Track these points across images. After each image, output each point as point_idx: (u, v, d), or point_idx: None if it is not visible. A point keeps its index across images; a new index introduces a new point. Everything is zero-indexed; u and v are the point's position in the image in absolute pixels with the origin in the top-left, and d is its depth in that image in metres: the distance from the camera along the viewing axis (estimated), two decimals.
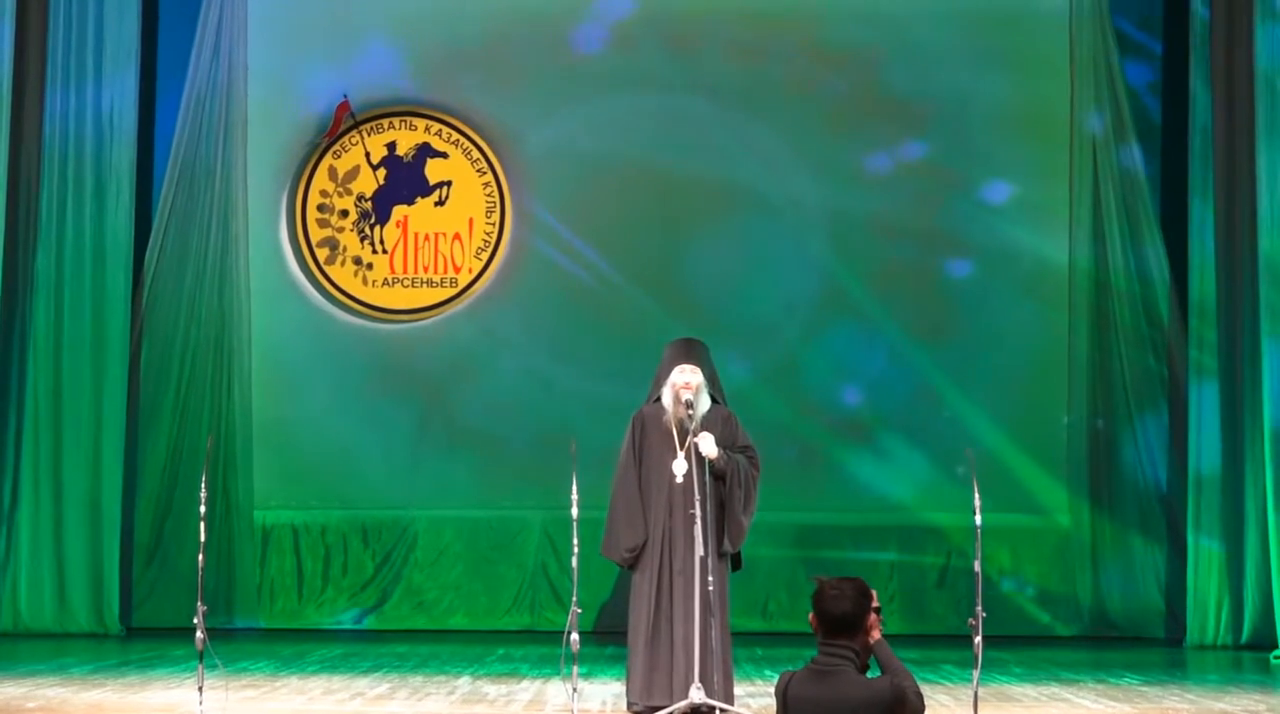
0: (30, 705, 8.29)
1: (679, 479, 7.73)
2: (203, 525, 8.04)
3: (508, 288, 13.45)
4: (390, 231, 13.49)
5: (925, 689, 9.39)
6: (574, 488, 7.64)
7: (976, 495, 7.33)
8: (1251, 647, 11.94)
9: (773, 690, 9.14)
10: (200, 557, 7.90)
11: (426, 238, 13.50)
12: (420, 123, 13.55)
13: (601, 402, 12.48)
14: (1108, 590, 13.02)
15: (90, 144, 12.55)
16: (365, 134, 13.51)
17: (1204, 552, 12.31)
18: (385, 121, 13.55)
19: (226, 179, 13.23)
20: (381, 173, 13.54)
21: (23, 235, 12.45)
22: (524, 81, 13.47)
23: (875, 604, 4.69)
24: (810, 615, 4.81)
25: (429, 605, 13.20)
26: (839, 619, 4.53)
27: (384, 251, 13.48)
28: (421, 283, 13.46)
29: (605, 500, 8.02)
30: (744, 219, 13.40)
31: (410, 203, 13.52)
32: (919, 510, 13.18)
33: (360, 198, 13.51)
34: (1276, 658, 11.21)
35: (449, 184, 13.52)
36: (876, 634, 4.67)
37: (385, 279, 13.47)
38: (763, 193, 13.39)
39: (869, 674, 4.77)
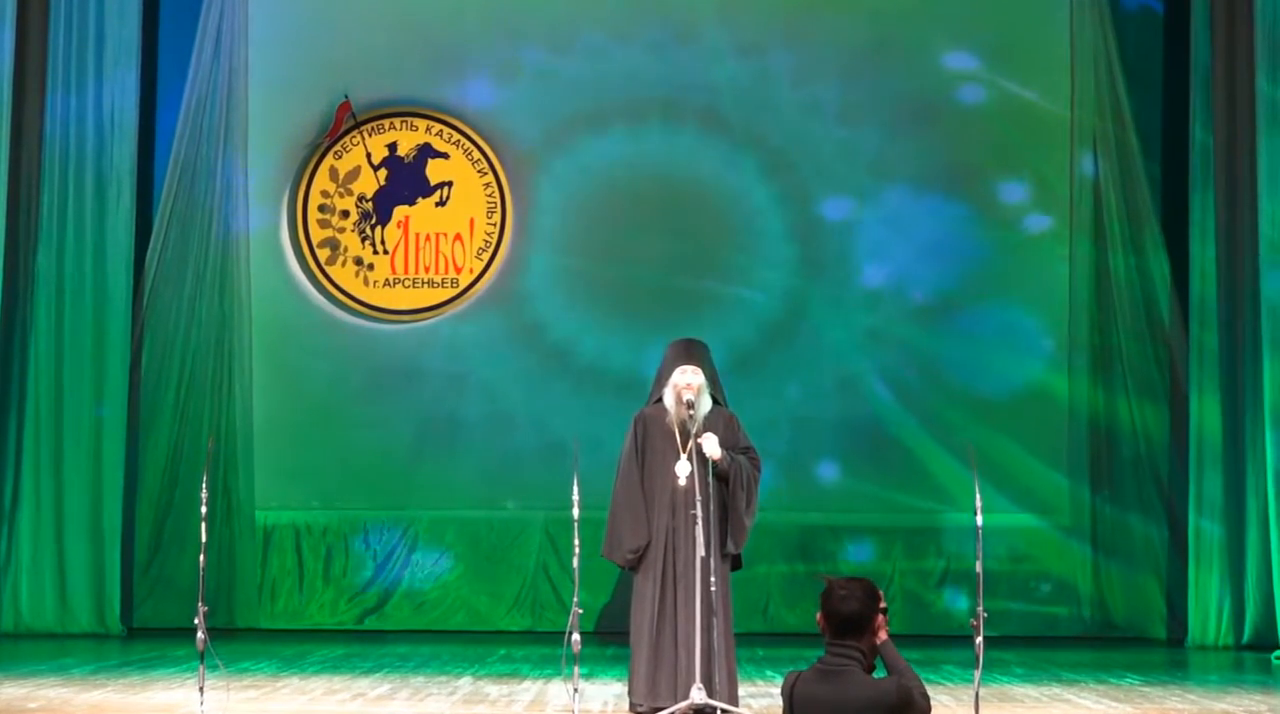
0: (31, 706, 8.29)
1: (682, 481, 7.72)
2: (204, 526, 8.04)
3: (509, 288, 13.44)
4: (391, 232, 13.49)
5: (927, 689, 9.39)
6: (575, 488, 7.63)
7: (978, 495, 7.33)
8: (1253, 647, 11.94)
9: (774, 691, 9.14)
10: (201, 557, 7.89)
11: (427, 238, 13.50)
12: (421, 123, 13.54)
13: (603, 402, 12.48)
14: (1109, 590, 13.02)
15: (91, 144, 12.55)
16: (366, 134, 13.51)
17: (1205, 552, 12.31)
18: (386, 122, 13.55)
19: (227, 179, 13.23)
20: (382, 173, 13.54)
21: (23, 236, 12.45)
22: (526, 82, 13.47)
23: (882, 605, 4.68)
24: (818, 615, 4.80)
25: (430, 606, 13.20)
26: (847, 619, 4.53)
27: (385, 252, 13.48)
28: (422, 283, 13.46)
29: (606, 501, 8.00)
30: (746, 220, 13.40)
31: (411, 203, 13.52)
32: (920, 510, 13.18)
33: (361, 198, 13.51)
34: (1278, 658, 11.20)
35: (450, 184, 13.51)
36: (883, 635, 4.67)
37: (386, 279, 13.47)
38: (766, 196, 13.39)
39: (875, 675, 4.76)
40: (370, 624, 13.14)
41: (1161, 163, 13.32)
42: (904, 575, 13.13)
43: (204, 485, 8.22)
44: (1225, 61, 12.35)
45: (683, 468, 7.73)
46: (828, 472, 13.25)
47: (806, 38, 13.41)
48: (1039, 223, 13.39)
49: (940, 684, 9.60)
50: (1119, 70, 13.14)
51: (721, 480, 7.76)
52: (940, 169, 13.41)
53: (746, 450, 7.91)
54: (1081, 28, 13.25)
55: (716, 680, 7.54)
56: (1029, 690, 9.39)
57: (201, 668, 7.57)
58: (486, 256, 13.47)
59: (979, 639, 7.05)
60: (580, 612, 7.51)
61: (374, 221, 13.49)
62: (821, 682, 4.49)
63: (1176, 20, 13.08)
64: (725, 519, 7.79)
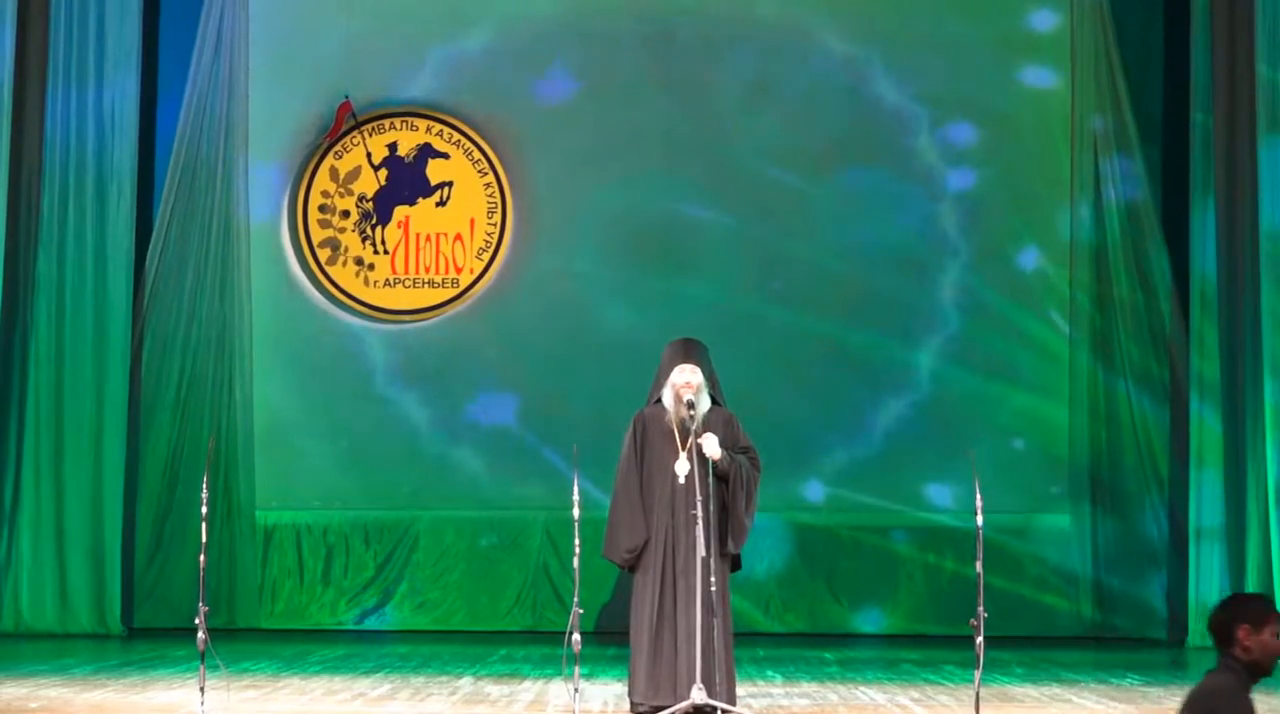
0: (32, 706, 8.29)
1: (681, 479, 7.73)
2: (204, 526, 8.04)
3: (509, 288, 13.44)
4: (391, 232, 13.49)
5: (927, 690, 9.41)
6: (575, 488, 7.64)
7: (978, 496, 7.33)
8: None
9: (774, 691, 9.16)
10: (202, 557, 7.90)
11: (428, 238, 13.50)
12: (421, 123, 13.55)
13: (602, 402, 12.48)
14: (1109, 591, 13.02)
15: (92, 145, 12.56)
16: (367, 134, 13.52)
17: (1205, 552, 12.31)
18: (387, 122, 13.55)
19: (228, 179, 13.23)
20: (383, 173, 13.54)
21: (24, 236, 12.46)
22: (526, 82, 13.47)
23: (1254, 619, 4.66)
24: None
25: (431, 606, 13.21)
26: (1209, 627, 4.69)
27: (385, 252, 13.48)
28: (423, 283, 13.46)
29: (607, 501, 8.01)
30: (745, 219, 13.40)
31: (411, 203, 13.52)
32: (920, 511, 13.18)
33: (362, 198, 13.51)
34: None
35: (450, 184, 13.52)
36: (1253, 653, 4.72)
37: (386, 279, 13.47)
38: (765, 193, 13.39)
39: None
40: (370, 624, 13.15)
41: (1163, 161, 13.31)
42: (905, 575, 13.13)
43: (204, 485, 8.22)
44: (1225, 48, 12.33)
45: (682, 466, 7.74)
46: (828, 469, 13.24)
47: (814, 47, 13.41)
48: (1039, 224, 13.38)
49: (941, 685, 9.61)
50: (1118, 63, 13.13)
51: (721, 480, 7.77)
52: (938, 170, 13.41)
53: (746, 450, 7.91)
54: (1081, 15, 13.24)
55: (716, 680, 7.55)
56: (1029, 690, 9.39)
57: (202, 668, 7.57)
58: (487, 257, 13.48)
59: (979, 639, 7.05)
60: (581, 611, 7.52)
61: (374, 221, 13.49)
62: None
63: (1176, 6, 13.06)
64: (725, 519, 7.79)
